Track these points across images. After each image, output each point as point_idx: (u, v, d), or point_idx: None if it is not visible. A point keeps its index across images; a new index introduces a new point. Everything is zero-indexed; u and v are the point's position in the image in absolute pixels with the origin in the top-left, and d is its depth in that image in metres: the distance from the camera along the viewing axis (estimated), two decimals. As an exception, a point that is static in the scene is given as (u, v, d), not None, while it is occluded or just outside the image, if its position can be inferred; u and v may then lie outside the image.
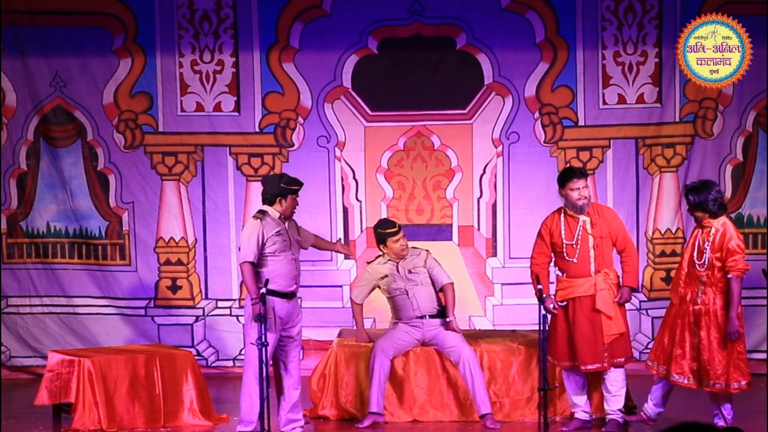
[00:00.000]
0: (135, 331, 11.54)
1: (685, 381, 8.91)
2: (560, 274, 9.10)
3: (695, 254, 8.89)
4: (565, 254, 9.00)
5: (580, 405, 9.14)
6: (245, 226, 9.08)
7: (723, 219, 8.90)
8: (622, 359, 9.02)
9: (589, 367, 8.96)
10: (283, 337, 8.91)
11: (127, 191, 11.57)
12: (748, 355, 11.21)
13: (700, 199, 8.82)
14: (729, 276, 8.80)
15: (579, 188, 8.97)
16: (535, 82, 11.37)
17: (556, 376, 9.29)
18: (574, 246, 8.96)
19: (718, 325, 8.80)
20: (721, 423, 8.86)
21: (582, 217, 8.98)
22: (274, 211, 8.91)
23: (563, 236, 9.00)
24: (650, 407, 9.13)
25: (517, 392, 9.52)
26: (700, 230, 8.92)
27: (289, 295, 8.88)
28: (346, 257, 10.85)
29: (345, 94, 11.50)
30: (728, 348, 8.81)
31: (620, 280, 9.08)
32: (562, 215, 9.06)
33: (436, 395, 9.55)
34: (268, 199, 8.94)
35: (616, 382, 9.05)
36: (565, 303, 9.02)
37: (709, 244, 8.82)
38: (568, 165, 11.32)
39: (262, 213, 8.95)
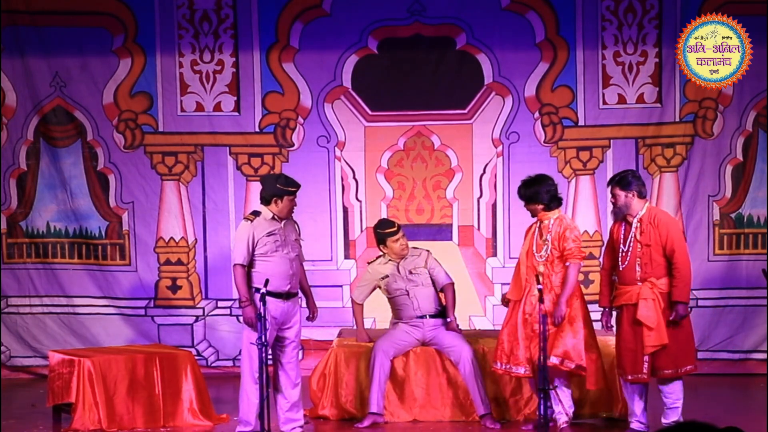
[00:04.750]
0: (135, 331, 11.54)
1: (522, 371, 9.00)
2: (615, 279, 8.94)
3: (534, 248, 9.03)
4: (618, 260, 8.85)
5: (636, 414, 8.86)
6: (237, 229, 9.09)
7: (558, 213, 9.03)
8: (669, 371, 8.69)
9: (629, 377, 8.75)
10: (280, 337, 8.92)
11: (127, 191, 11.57)
12: (748, 355, 11.30)
13: (532, 192, 8.98)
14: (567, 264, 8.91)
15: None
16: (535, 82, 11.37)
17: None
18: (625, 252, 8.79)
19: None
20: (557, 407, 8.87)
21: (635, 223, 8.80)
22: (268, 212, 8.89)
23: (621, 241, 8.84)
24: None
25: (517, 392, 9.52)
26: (538, 224, 9.07)
27: (284, 296, 8.86)
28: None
29: (345, 94, 11.50)
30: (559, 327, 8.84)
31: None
32: (624, 220, 8.89)
33: (436, 395, 9.55)
34: (264, 198, 8.92)
35: (671, 394, 8.78)
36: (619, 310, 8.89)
37: (550, 236, 8.95)
38: (567, 165, 11.35)
39: (254, 214, 8.94)
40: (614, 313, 8.97)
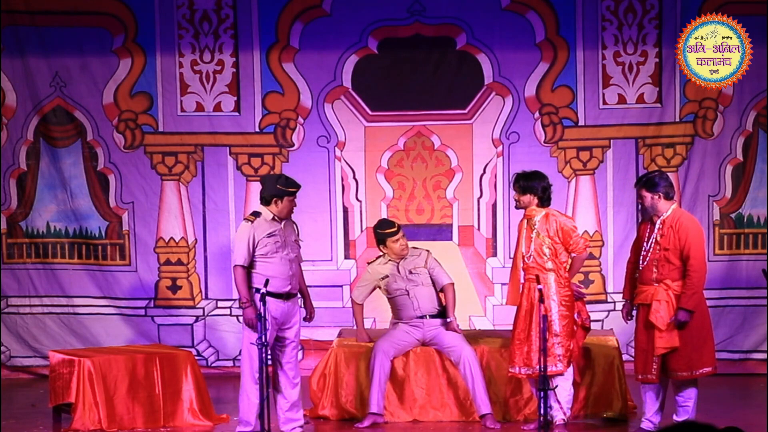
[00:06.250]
0: (135, 331, 11.54)
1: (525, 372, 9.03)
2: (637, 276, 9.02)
3: (523, 248, 9.05)
4: (639, 258, 8.94)
5: (646, 414, 8.92)
6: (237, 229, 9.09)
7: (545, 210, 9.05)
8: (684, 373, 8.76)
9: (639, 376, 8.85)
10: (280, 337, 8.92)
11: (127, 191, 11.57)
12: (748, 355, 11.29)
13: (529, 184, 9.01)
14: (573, 255, 8.98)
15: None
16: (535, 82, 11.37)
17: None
18: (645, 252, 8.84)
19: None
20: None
21: (658, 224, 8.82)
22: (268, 212, 8.89)
23: (645, 240, 8.89)
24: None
25: (517, 392, 9.51)
26: (525, 223, 9.07)
27: (285, 296, 8.87)
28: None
29: (345, 94, 11.50)
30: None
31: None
32: (650, 220, 8.93)
33: (436, 395, 9.55)
34: (264, 199, 8.92)
35: (684, 394, 8.85)
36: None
37: (544, 233, 8.97)
38: (567, 165, 11.35)
39: (254, 215, 8.94)
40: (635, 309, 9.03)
